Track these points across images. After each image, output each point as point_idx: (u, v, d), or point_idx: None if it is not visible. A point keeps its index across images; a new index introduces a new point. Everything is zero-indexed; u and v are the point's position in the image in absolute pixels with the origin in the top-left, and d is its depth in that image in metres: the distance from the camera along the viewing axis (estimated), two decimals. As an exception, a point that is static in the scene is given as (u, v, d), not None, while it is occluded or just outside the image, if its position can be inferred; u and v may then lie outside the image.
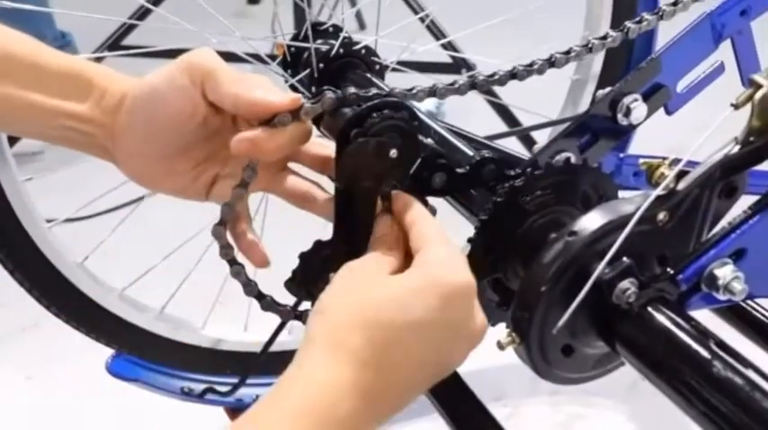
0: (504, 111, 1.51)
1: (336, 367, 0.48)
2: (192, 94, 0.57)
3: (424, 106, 1.90)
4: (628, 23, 0.69)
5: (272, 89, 0.56)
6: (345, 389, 0.47)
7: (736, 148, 0.60)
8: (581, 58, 0.69)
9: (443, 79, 1.61)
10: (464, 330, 0.52)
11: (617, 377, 0.66)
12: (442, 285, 0.50)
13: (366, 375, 0.48)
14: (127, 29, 1.58)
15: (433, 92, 0.64)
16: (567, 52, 0.69)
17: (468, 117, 1.86)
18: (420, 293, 0.50)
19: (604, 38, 0.68)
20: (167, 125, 0.58)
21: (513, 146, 1.34)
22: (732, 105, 0.59)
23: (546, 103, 1.21)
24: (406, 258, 0.54)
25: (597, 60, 1.08)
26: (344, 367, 0.48)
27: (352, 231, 0.58)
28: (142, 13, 1.47)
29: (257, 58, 0.99)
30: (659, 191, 0.58)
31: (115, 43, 1.56)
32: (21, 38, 0.59)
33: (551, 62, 0.69)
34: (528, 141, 1.33)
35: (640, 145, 1.00)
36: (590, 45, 0.69)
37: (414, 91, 0.63)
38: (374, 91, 0.58)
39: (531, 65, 0.69)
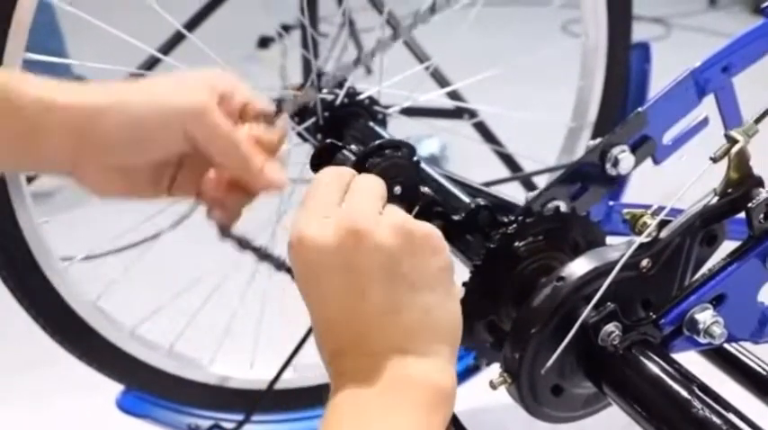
0: (505, 157, 1.56)
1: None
2: (182, 141, 0.59)
3: (428, 150, 1.95)
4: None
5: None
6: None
7: (716, 199, 0.63)
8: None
9: (446, 125, 1.65)
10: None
11: (613, 412, 0.68)
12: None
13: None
14: (145, 68, 1.63)
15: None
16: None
17: (471, 162, 1.90)
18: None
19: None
20: (144, 155, 0.60)
21: (514, 189, 1.38)
22: (711, 159, 0.63)
23: (545, 148, 1.25)
24: None
25: (593, 108, 1.12)
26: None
27: None
28: (153, 62, 1.52)
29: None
30: (642, 239, 0.61)
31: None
32: None
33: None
34: (529, 185, 1.37)
35: (638, 190, 1.03)
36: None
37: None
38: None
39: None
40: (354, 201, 0.53)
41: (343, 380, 0.50)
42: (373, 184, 0.56)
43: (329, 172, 0.57)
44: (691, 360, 0.64)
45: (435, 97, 1.27)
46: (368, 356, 0.51)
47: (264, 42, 2.65)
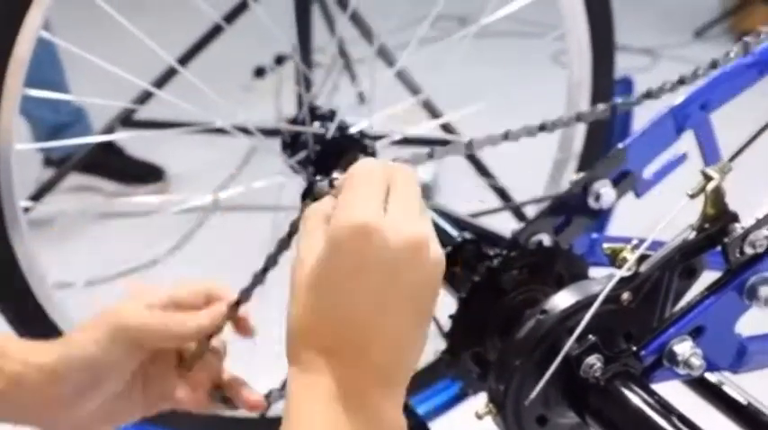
0: (497, 188, 1.58)
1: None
2: (131, 360, 0.66)
3: (420, 180, 1.97)
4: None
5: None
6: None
7: (693, 234, 0.65)
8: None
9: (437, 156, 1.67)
10: (381, 259, 0.49)
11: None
12: (325, 240, 0.50)
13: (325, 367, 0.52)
14: (140, 101, 1.66)
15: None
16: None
17: (463, 191, 1.92)
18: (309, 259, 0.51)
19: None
20: (110, 388, 0.66)
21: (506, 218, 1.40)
22: (688, 195, 0.65)
23: (536, 179, 1.27)
24: None
25: (578, 139, 1.14)
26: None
27: None
28: (146, 96, 1.55)
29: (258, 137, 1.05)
30: (621, 273, 0.63)
31: (127, 118, 1.64)
32: None
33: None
34: (519, 215, 1.39)
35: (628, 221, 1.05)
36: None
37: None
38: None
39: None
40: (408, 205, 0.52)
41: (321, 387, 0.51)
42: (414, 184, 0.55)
43: (369, 165, 0.54)
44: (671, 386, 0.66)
45: (426, 125, 1.29)
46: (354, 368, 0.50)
47: (260, 72, 2.68)
